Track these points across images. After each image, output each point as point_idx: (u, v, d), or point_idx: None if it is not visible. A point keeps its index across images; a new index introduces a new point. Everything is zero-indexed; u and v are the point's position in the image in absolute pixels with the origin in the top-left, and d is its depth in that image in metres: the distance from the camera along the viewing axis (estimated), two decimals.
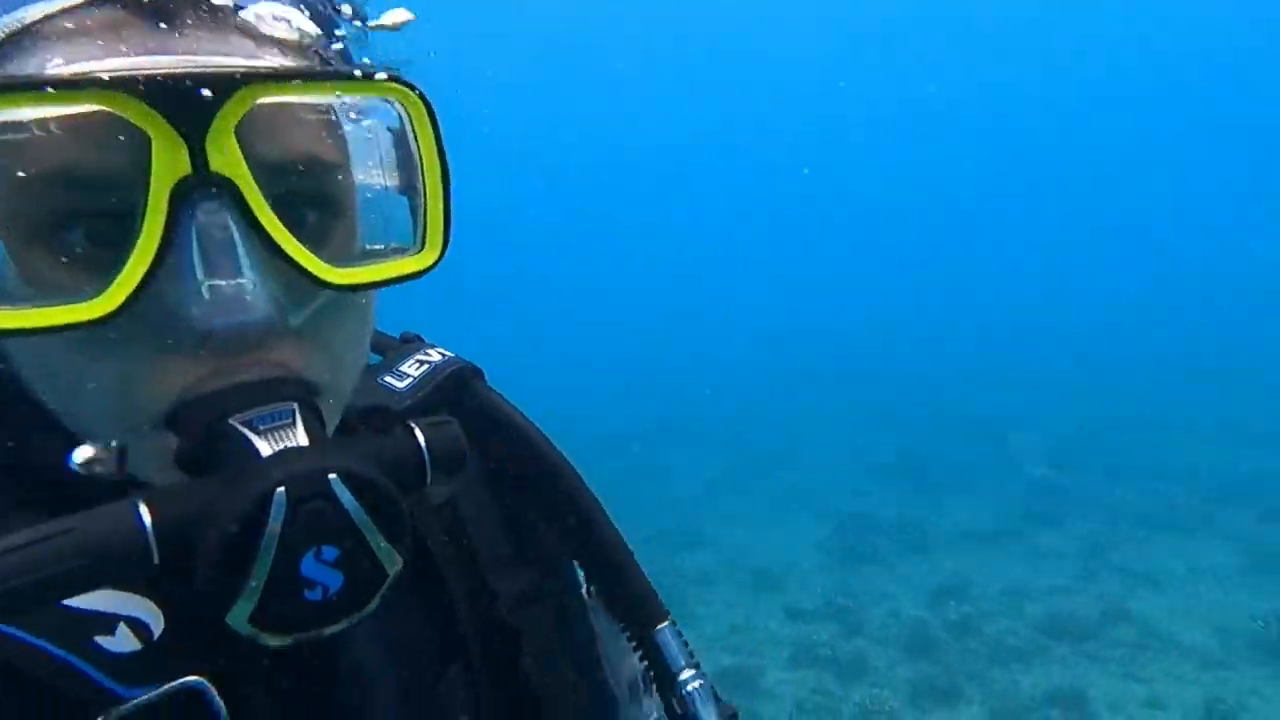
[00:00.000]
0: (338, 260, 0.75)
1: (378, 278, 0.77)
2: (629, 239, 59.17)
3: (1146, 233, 49.63)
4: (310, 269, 0.72)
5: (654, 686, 1.16)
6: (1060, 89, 53.76)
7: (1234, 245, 45.08)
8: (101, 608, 0.76)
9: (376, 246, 0.83)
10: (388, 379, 1.05)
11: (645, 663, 1.15)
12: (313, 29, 0.80)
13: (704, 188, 60.12)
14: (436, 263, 0.80)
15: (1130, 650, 9.16)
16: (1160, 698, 8.14)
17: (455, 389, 1.09)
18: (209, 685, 0.76)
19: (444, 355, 1.11)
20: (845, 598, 11.55)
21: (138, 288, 0.65)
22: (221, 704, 0.77)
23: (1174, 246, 47.52)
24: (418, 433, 0.78)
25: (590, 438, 27.05)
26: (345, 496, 0.66)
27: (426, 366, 1.07)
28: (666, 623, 1.15)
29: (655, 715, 1.24)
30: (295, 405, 0.70)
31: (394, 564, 0.71)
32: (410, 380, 1.04)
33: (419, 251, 0.81)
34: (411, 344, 1.15)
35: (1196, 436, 18.99)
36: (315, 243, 0.74)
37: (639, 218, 59.83)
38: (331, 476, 0.65)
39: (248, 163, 0.67)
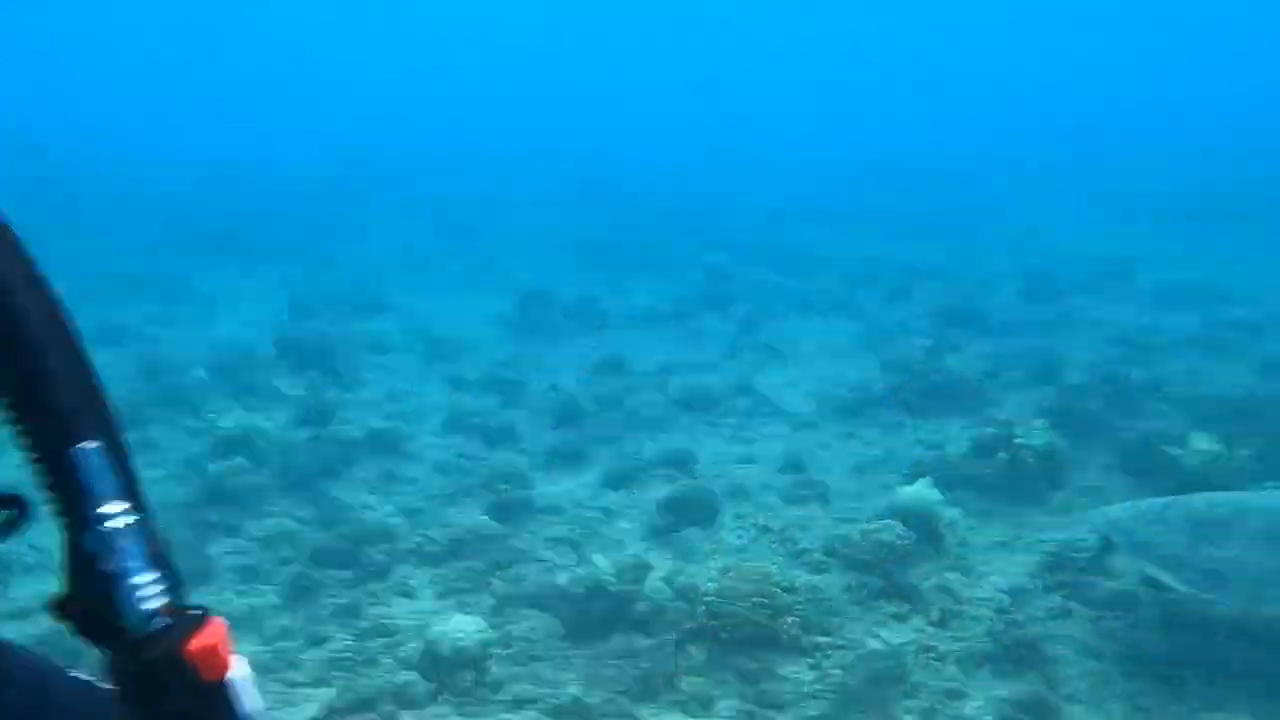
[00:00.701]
0: None
1: None
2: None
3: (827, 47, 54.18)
4: None
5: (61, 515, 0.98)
6: None
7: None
8: None
9: None
10: None
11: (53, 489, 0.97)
12: None
13: None
14: None
15: (742, 418, 10.18)
16: (752, 454, 9.16)
17: None
18: None
19: None
20: (511, 370, 11.62)
21: None
22: None
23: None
24: None
25: (283, 195, 24.53)
26: None
27: None
28: (95, 443, 0.96)
29: None
30: None
31: None
32: None
33: None
34: None
35: (855, 228, 21.34)
36: None
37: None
38: None
39: None
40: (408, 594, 6.81)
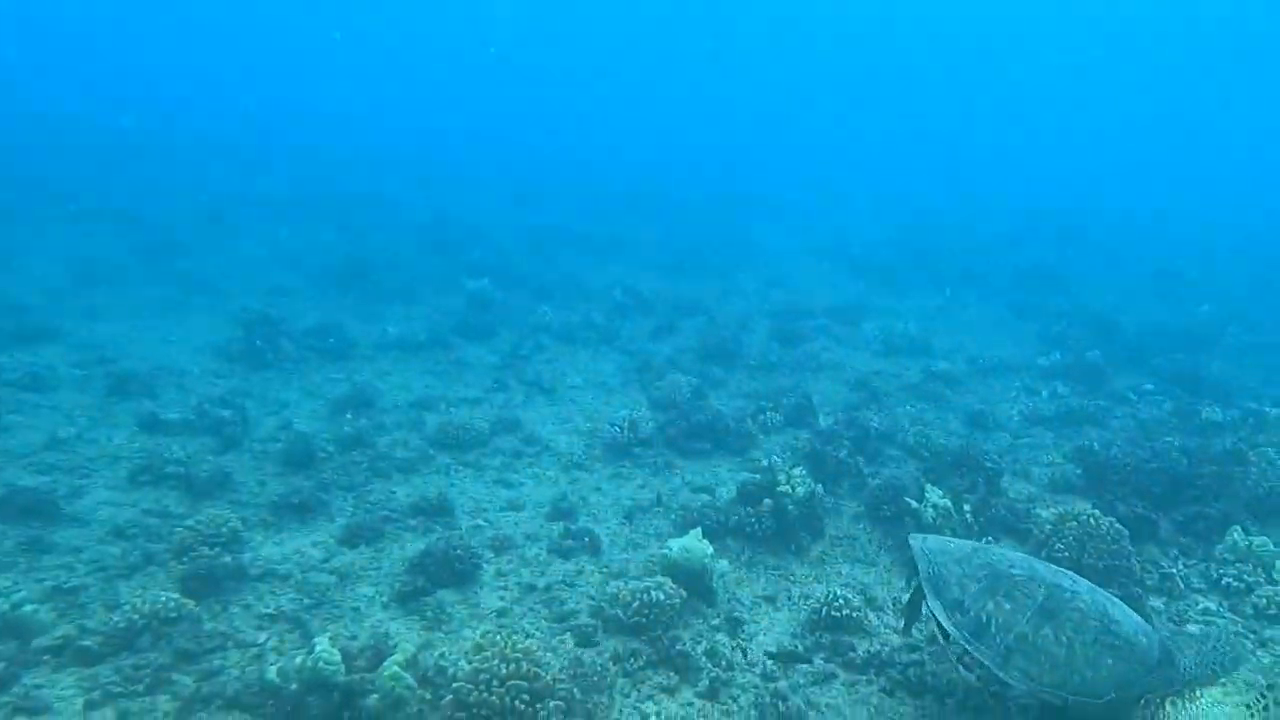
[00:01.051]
0: None
1: None
2: None
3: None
4: None
5: None
6: None
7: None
8: None
9: None
10: None
11: None
12: None
13: None
14: None
15: (508, 458, 9.38)
16: (519, 499, 8.39)
17: None
18: None
19: None
20: (228, 408, 9.73)
21: None
22: None
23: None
24: None
25: None
26: None
27: None
28: None
29: None
30: None
31: None
32: None
33: None
34: None
35: (618, 258, 21.52)
36: None
37: None
38: None
39: None
40: (38, 710, 5.05)
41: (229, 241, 19.14)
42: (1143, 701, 4.36)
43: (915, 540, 5.14)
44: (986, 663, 4.56)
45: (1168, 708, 4.33)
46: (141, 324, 13.25)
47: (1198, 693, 4.34)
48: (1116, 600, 4.79)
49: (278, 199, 23.87)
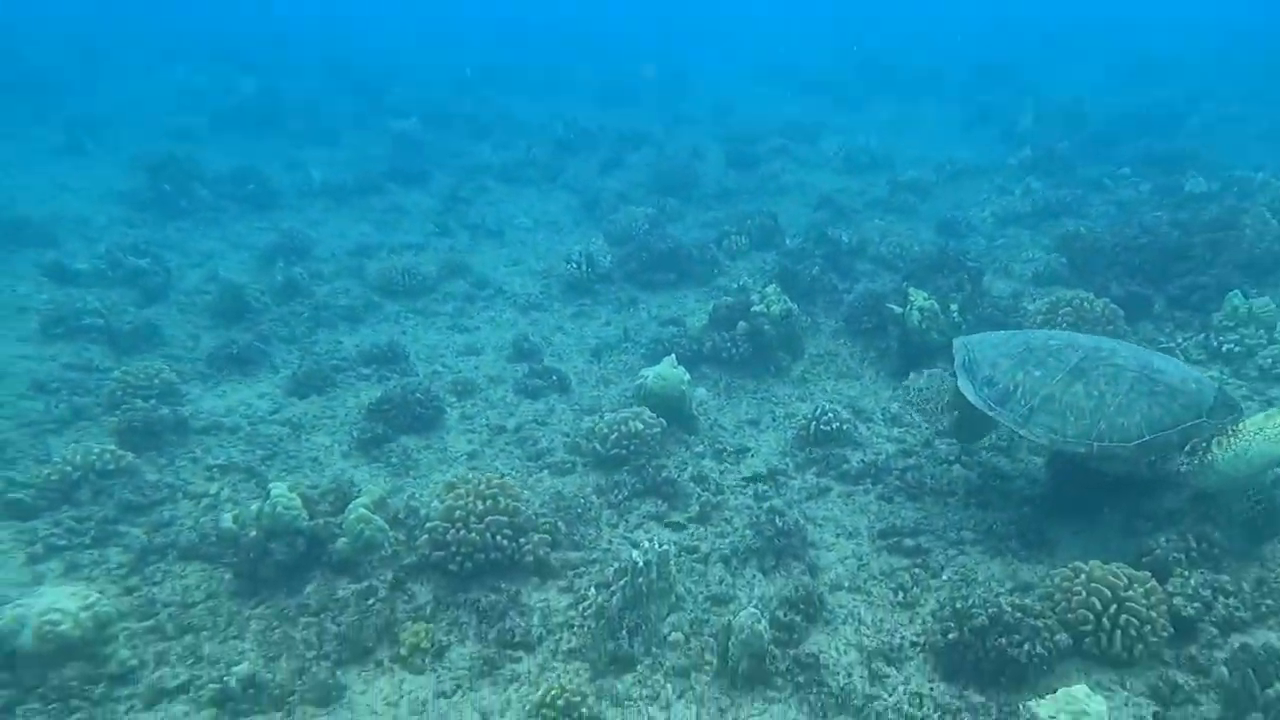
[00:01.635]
0: None
1: None
2: None
3: None
4: None
5: None
6: None
7: None
8: None
9: None
10: None
11: None
12: None
13: None
14: None
15: (460, 303, 8.65)
16: (477, 344, 7.78)
17: None
18: None
19: None
20: (145, 258, 8.67)
21: None
22: None
23: None
24: None
25: None
26: None
27: None
28: None
29: None
30: None
31: None
32: None
33: None
34: None
35: (555, 94, 19.87)
36: None
37: None
38: None
39: None
40: None
41: (118, 80, 16.85)
42: (1188, 447, 4.15)
43: (958, 340, 4.93)
44: (1007, 423, 4.41)
45: (1214, 449, 4.11)
46: (31, 168, 11.72)
47: (1240, 425, 4.09)
48: (1168, 356, 4.58)
49: (162, 33, 21.05)
